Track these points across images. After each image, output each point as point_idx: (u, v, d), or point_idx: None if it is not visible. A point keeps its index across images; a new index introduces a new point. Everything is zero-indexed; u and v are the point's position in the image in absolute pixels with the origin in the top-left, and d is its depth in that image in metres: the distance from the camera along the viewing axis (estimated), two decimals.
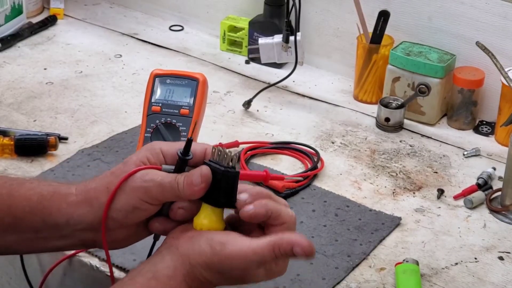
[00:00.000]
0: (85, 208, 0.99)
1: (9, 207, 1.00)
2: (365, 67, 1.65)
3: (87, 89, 1.68)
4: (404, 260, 1.22)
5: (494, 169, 1.45)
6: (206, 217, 0.98)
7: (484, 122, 1.61)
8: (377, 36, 1.62)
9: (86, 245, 1.04)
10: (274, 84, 1.67)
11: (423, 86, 1.54)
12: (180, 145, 1.01)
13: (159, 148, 1.01)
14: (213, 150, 0.98)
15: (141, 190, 0.97)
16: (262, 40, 1.69)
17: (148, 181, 0.97)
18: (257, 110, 1.63)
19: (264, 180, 1.11)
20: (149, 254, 1.05)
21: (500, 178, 1.43)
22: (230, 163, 0.97)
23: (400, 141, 1.55)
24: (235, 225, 1.01)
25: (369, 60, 1.64)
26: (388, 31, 1.62)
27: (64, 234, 1.00)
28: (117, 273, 1.20)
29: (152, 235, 1.04)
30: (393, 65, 1.60)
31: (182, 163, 0.99)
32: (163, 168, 0.99)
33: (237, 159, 0.99)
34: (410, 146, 1.54)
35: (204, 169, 0.97)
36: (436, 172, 1.46)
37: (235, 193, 0.97)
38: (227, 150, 0.97)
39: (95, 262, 1.20)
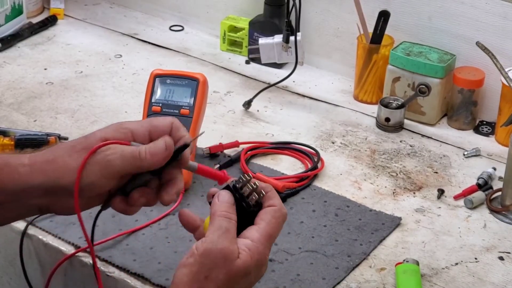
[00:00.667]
0: (40, 177, 0.99)
1: None
2: (365, 67, 1.65)
3: (87, 89, 1.68)
4: (404, 260, 1.22)
5: (494, 169, 1.45)
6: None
7: (484, 122, 1.61)
8: (377, 36, 1.62)
9: (42, 211, 1.04)
10: (274, 84, 1.67)
11: (423, 86, 1.54)
12: (148, 121, 1.02)
13: (128, 128, 1.02)
14: (244, 180, 0.99)
15: (102, 164, 0.98)
16: (262, 40, 1.69)
17: (109, 154, 0.98)
18: (257, 110, 1.63)
19: (220, 180, 1.08)
20: (94, 222, 1.07)
21: (500, 178, 1.43)
22: (253, 199, 0.99)
23: (400, 141, 1.55)
24: None
25: (369, 60, 1.64)
26: (388, 31, 1.62)
27: (21, 203, 1.01)
28: (117, 273, 1.20)
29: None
30: (393, 65, 1.60)
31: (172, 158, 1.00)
32: (132, 145, 1.00)
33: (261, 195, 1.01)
34: (410, 146, 1.54)
35: (168, 139, 0.99)
36: (436, 172, 1.46)
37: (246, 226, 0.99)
38: (257, 184, 0.99)
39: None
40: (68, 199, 0.99)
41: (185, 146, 1.01)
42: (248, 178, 0.99)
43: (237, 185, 0.99)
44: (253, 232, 0.97)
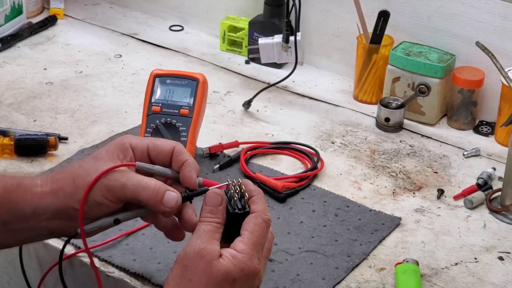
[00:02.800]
0: (50, 198, 1.00)
1: None
2: (365, 67, 1.65)
3: (87, 89, 1.68)
4: (404, 260, 1.22)
5: (494, 169, 1.45)
6: None
7: (484, 122, 1.61)
8: (377, 36, 1.62)
9: (54, 234, 1.04)
10: (274, 84, 1.67)
11: (423, 86, 1.54)
12: (149, 139, 1.03)
13: (128, 143, 1.02)
14: (230, 187, 0.99)
15: (104, 188, 0.98)
16: (262, 40, 1.69)
17: (112, 180, 0.98)
18: (257, 110, 1.63)
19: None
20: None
21: (500, 178, 1.43)
22: (238, 205, 0.99)
23: (400, 141, 1.55)
24: None
25: (369, 60, 1.64)
26: (388, 31, 1.62)
27: (32, 225, 1.01)
28: (116, 273, 1.20)
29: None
30: (393, 65, 1.60)
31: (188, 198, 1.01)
32: (137, 165, 1.00)
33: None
34: (410, 146, 1.54)
35: (180, 198, 0.99)
36: (436, 172, 1.46)
37: (238, 229, 0.99)
38: (243, 188, 0.99)
39: (95, 262, 1.20)
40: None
41: (203, 191, 1.01)
42: (235, 182, 0.99)
43: (226, 191, 1.00)
44: (238, 244, 0.97)
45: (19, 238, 1.04)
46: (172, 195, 0.99)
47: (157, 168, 1.02)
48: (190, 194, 1.01)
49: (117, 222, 1.00)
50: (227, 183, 1.00)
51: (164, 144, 1.03)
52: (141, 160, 1.02)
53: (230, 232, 0.98)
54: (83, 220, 0.99)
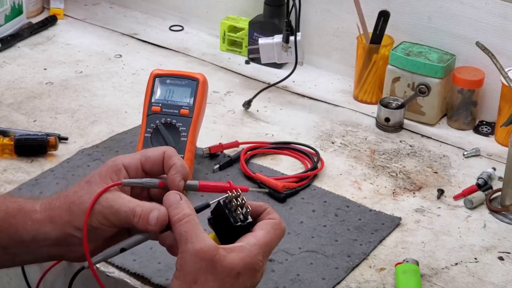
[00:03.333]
0: (49, 225, 1.00)
1: None
2: (365, 67, 1.65)
3: (87, 89, 1.68)
4: (404, 260, 1.22)
5: (494, 169, 1.45)
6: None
7: (484, 122, 1.61)
8: (377, 36, 1.62)
9: (55, 258, 1.04)
10: (274, 84, 1.67)
11: (423, 86, 1.54)
12: (141, 153, 1.02)
13: (120, 163, 1.01)
14: (231, 198, 0.99)
15: (99, 215, 0.98)
16: (262, 40, 1.69)
17: (106, 207, 0.98)
18: (257, 110, 1.63)
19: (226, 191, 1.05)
20: None
21: (500, 178, 1.43)
22: (241, 217, 0.99)
23: (400, 141, 1.55)
24: None
25: (369, 60, 1.64)
26: (388, 31, 1.62)
27: (31, 250, 1.01)
28: (116, 274, 1.20)
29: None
30: (393, 65, 1.60)
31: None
32: (123, 183, 1.00)
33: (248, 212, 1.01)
34: (410, 146, 1.54)
35: (162, 213, 0.97)
36: (436, 172, 1.46)
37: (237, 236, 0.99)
38: (244, 202, 0.99)
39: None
40: (79, 247, 0.99)
41: (206, 206, 1.00)
42: (237, 193, 0.99)
43: (226, 200, 0.99)
44: (249, 238, 0.97)
45: (19, 261, 1.04)
46: (152, 215, 0.97)
47: (145, 181, 1.01)
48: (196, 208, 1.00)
49: (123, 250, 1.00)
50: (227, 194, 1.00)
51: (155, 153, 1.02)
52: (137, 177, 1.01)
53: (228, 241, 0.98)
54: (78, 246, 0.99)
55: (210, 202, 1.00)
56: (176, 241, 0.96)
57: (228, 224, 0.98)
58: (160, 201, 1.00)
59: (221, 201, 1.00)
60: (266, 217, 1.00)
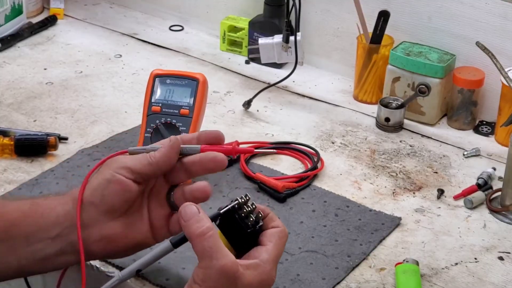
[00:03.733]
0: (70, 204, 1.01)
1: (1, 215, 1.02)
2: (365, 67, 1.65)
3: (87, 89, 1.68)
4: (404, 260, 1.22)
5: (494, 169, 1.45)
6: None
7: (484, 122, 1.61)
8: (377, 36, 1.62)
9: (75, 249, 1.02)
10: (274, 84, 1.67)
11: (423, 86, 1.54)
12: (141, 154, 1.04)
13: (124, 163, 1.03)
14: (241, 204, 0.99)
15: (113, 164, 1.00)
16: (262, 40, 1.69)
17: (118, 158, 1.01)
18: (257, 110, 1.63)
19: (230, 153, 1.07)
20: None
21: (500, 178, 1.43)
22: (253, 222, 0.99)
23: (400, 141, 1.55)
24: None
25: (369, 60, 1.64)
26: (388, 31, 1.62)
27: (53, 236, 1.01)
28: (116, 273, 1.19)
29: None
30: (393, 65, 1.60)
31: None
32: (129, 150, 1.03)
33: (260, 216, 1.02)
34: (410, 146, 1.54)
35: (172, 137, 1.02)
36: (436, 172, 1.46)
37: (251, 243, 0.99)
38: (254, 207, 1.00)
39: (95, 262, 1.20)
40: (105, 223, 1.00)
41: (217, 216, 1.00)
42: (247, 198, 0.99)
43: (236, 206, 0.99)
44: (263, 253, 0.97)
45: (40, 255, 1.02)
46: (173, 136, 1.03)
47: (148, 147, 1.04)
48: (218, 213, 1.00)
49: (139, 271, 1.00)
50: (236, 201, 0.99)
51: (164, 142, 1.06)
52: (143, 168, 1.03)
53: (241, 245, 0.98)
54: (100, 225, 1.00)
55: (221, 211, 0.99)
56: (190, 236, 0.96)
57: (240, 230, 0.98)
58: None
59: (231, 207, 0.99)
60: (270, 225, 1.01)
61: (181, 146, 1.04)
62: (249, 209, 0.99)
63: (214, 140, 1.05)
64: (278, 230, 1.00)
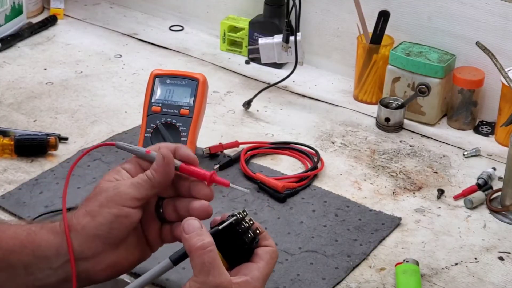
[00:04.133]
0: (72, 234, 0.99)
1: None
2: (365, 67, 1.65)
3: (87, 89, 1.68)
4: (404, 260, 1.22)
5: (494, 169, 1.45)
6: None
7: (484, 122, 1.61)
8: (377, 36, 1.62)
9: (79, 278, 1.01)
10: (274, 84, 1.67)
11: (423, 86, 1.54)
12: (140, 178, 1.02)
13: (119, 167, 1.03)
14: (239, 220, 0.98)
15: (117, 197, 0.98)
16: (262, 40, 1.69)
17: (119, 186, 0.99)
18: (257, 110, 1.63)
19: (204, 179, 1.04)
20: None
21: (500, 178, 1.43)
22: (250, 236, 0.98)
23: (400, 141, 1.55)
24: None
25: (369, 60, 1.64)
26: (388, 31, 1.62)
27: (55, 267, 1.00)
28: None
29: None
30: (393, 65, 1.60)
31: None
32: (116, 144, 1.03)
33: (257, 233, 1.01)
34: (410, 146, 1.54)
35: (163, 151, 1.00)
36: (436, 172, 1.46)
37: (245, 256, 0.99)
38: (252, 223, 0.99)
39: None
40: (106, 255, 1.00)
41: (216, 232, 0.99)
42: (244, 214, 0.99)
43: (233, 222, 0.98)
44: (254, 272, 0.97)
45: (41, 284, 1.01)
46: (164, 150, 1.01)
47: (134, 147, 1.04)
48: (218, 228, 0.99)
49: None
50: (235, 217, 0.99)
51: (152, 148, 1.04)
52: (137, 174, 1.02)
53: (234, 259, 0.98)
54: (104, 255, 1.00)
55: (220, 227, 0.99)
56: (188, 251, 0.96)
57: (237, 245, 0.98)
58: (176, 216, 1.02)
59: (230, 224, 0.99)
60: (263, 243, 1.01)
61: None
62: (247, 225, 0.99)
63: (190, 162, 1.04)
64: (271, 250, 1.00)
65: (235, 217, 0.98)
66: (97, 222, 0.98)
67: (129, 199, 0.99)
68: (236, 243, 0.98)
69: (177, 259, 0.98)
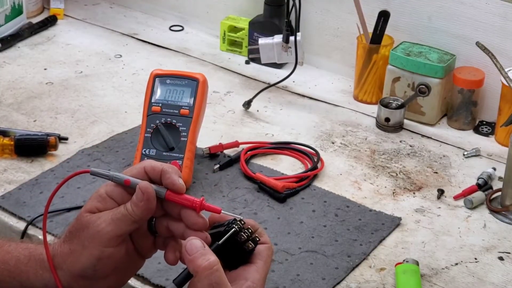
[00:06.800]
0: (58, 273, 0.98)
1: None
2: (365, 67, 1.65)
3: (87, 89, 1.68)
4: (404, 260, 1.22)
5: (494, 169, 1.45)
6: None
7: (484, 122, 1.61)
8: (377, 36, 1.62)
9: None
10: (274, 84, 1.67)
11: (423, 86, 1.54)
12: (121, 214, 0.98)
13: (104, 192, 0.98)
14: (239, 230, 0.97)
15: (98, 237, 0.95)
16: (262, 40, 1.69)
17: (100, 223, 0.96)
18: (257, 110, 1.63)
19: (194, 207, 0.97)
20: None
21: (500, 178, 1.43)
22: (251, 246, 0.97)
23: (400, 141, 1.55)
24: None
25: (369, 60, 1.64)
26: (388, 31, 1.62)
27: None
28: None
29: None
30: (393, 65, 1.60)
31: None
32: (91, 171, 0.97)
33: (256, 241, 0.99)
34: (410, 146, 1.54)
35: (142, 185, 0.95)
36: (436, 172, 1.46)
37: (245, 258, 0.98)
38: (251, 231, 0.97)
39: None
40: (100, 280, 0.98)
41: (217, 247, 0.97)
42: (242, 224, 0.97)
43: (233, 231, 0.97)
44: (254, 274, 0.96)
45: None
46: (143, 183, 0.95)
47: (112, 174, 0.97)
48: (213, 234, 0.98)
49: None
50: (233, 229, 0.97)
51: (134, 172, 0.98)
52: (122, 200, 0.98)
53: (232, 264, 0.97)
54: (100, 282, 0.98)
55: (220, 243, 0.98)
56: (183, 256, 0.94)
57: (236, 254, 0.97)
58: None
59: (229, 236, 0.98)
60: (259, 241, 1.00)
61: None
62: (247, 235, 0.97)
63: (176, 191, 1.00)
64: (267, 247, 0.99)
65: (233, 229, 0.97)
66: (81, 265, 0.96)
67: (110, 239, 0.96)
68: (236, 252, 0.97)
69: (180, 282, 0.97)
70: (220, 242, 0.96)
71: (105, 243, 0.96)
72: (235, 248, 0.97)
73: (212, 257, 0.93)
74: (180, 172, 0.98)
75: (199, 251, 0.93)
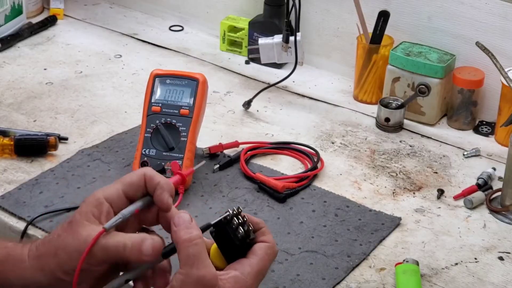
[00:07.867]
0: (38, 273, 0.97)
1: None
2: (365, 67, 1.65)
3: (87, 89, 1.68)
4: (404, 260, 1.22)
5: (494, 169, 1.45)
6: (215, 258, 0.98)
7: (484, 122, 1.61)
8: (377, 36, 1.62)
9: None
10: (274, 84, 1.67)
11: (423, 86, 1.54)
12: (120, 182, 0.98)
13: (101, 197, 0.97)
14: (232, 216, 0.97)
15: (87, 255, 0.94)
16: (262, 40, 1.69)
17: (85, 246, 0.94)
18: (257, 110, 1.63)
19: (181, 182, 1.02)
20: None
21: (500, 178, 1.43)
22: (243, 235, 0.97)
23: (400, 141, 1.55)
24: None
25: (369, 60, 1.64)
26: (388, 31, 1.62)
27: None
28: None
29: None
30: (393, 65, 1.60)
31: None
32: (107, 229, 0.95)
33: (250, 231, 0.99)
34: (410, 146, 1.54)
35: (156, 241, 0.95)
36: (436, 172, 1.46)
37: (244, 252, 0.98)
38: (245, 220, 0.97)
39: None
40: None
41: (207, 227, 0.97)
42: (239, 211, 0.98)
43: (228, 217, 0.97)
44: (245, 266, 0.96)
45: None
46: (146, 244, 0.94)
47: (123, 213, 0.97)
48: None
49: (128, 281, 0.98)
50: (227, 213, 0.98)
51: (135, 177, 0.98)
52: (120, 206, 0.97)
53: (233, 258, 0.97)
54: None
55: (212, 222, 0.99)
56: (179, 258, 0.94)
57: (230, 242, 0.98)
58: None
59: (223, 218, 0.98)
60: (260, 239, 0.99)
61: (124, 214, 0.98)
62: (240, 221, 0.98)
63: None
64: (266, 246, 0.99)
65: (227, 213, 0.98)
66: (65, 270, 0.95)
67: (98, 261, 0.95)
68: (229, 240, 0.98)
69: (167, 253, 0.97)
70: (212, 222, 0.97)
71: (91, 262, 0.94)
72: (228, 234, 0.97)
73: (195, 232, 0.94)
74: (174, 191, 0.99)
75: (185, 223, 0.94)
